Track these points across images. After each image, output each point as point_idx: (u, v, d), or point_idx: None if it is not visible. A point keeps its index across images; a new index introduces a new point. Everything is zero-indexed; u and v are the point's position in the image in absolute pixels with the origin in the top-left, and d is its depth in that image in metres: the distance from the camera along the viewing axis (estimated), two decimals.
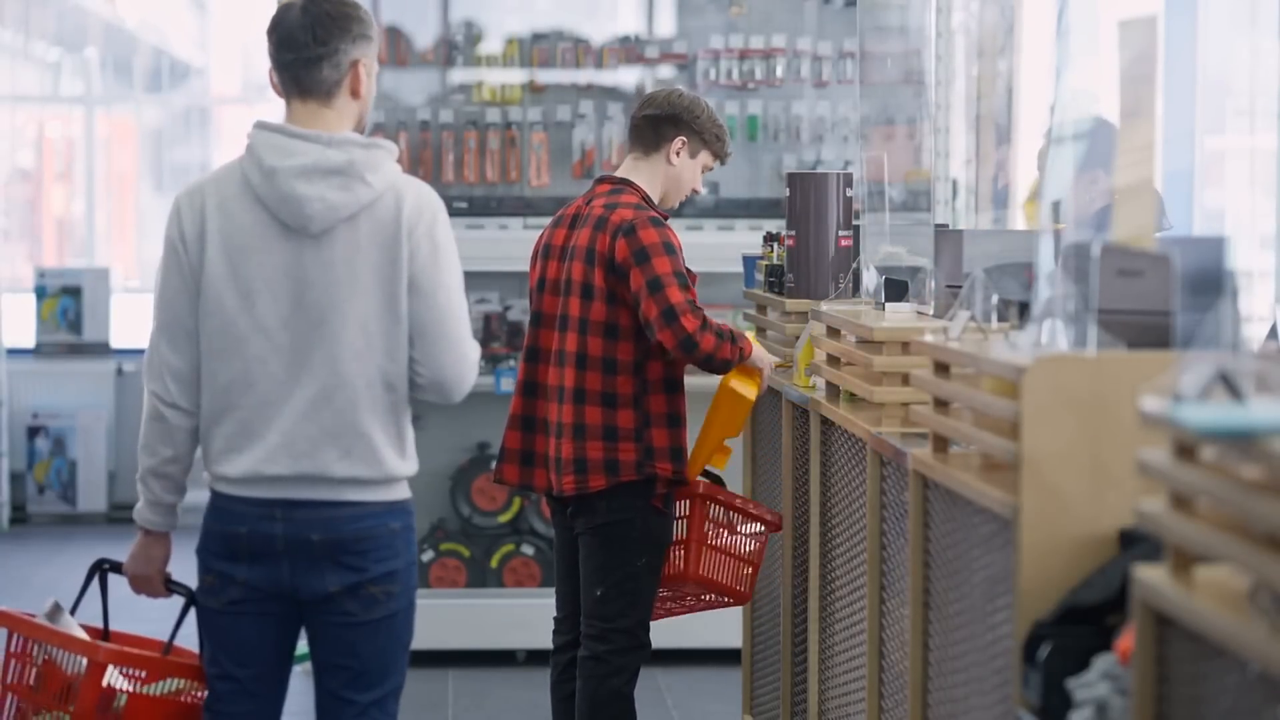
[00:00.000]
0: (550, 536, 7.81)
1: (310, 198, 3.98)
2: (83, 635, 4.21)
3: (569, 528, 5.38)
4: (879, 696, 4.39)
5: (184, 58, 15.82)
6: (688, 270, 5.33)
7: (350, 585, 4.04)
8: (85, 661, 4.11)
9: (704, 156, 5.41)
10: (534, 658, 7.44)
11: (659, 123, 5.39)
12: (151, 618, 4.93)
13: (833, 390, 5.03)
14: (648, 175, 5.40)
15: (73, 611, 4.28)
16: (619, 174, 5.42)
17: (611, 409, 5.26)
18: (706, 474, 5.48)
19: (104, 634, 4.30)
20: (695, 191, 5.46)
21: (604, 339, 5.27)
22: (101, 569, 4.32)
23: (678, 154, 5.38)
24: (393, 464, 4.06)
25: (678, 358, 5.23)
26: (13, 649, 4.21)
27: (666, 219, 5.38)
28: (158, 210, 14.72)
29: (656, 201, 5.41)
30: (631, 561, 5.27)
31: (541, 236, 5.47)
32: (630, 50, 8.34)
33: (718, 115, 5.47)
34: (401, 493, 4.10)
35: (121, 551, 4.29)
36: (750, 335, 5.49)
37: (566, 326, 5.31)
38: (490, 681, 7.39)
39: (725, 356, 5.25)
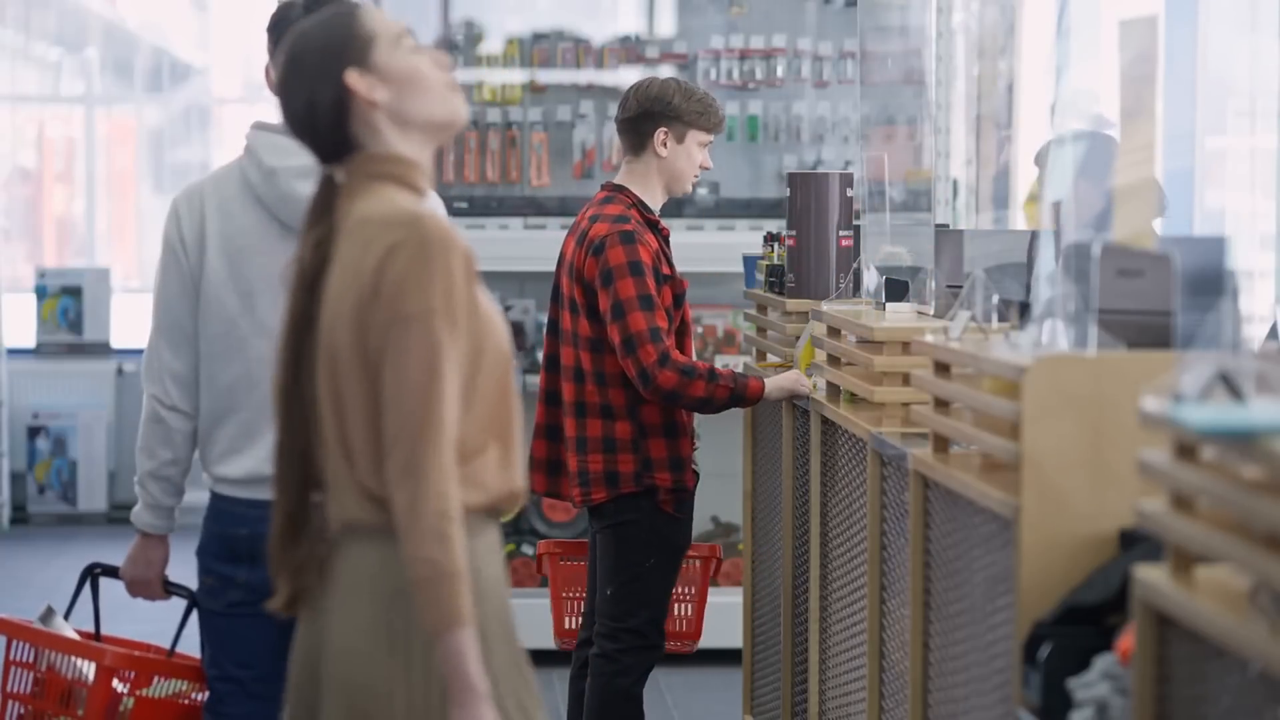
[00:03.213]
0: (550, 537, 7.81)
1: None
2: (79, 640, 4.20)
3: (591, 526, 5.41)
4: (879, 696, 4.39)
5: (184, 58, 15.81)
6: (676, 277, 5.31)
7: None
8: (92, 667, 4.11)
9: (694, 136, 5.32)
10: (534, 657, 7.42)
11: (637, 122, 5.34)
12: (147, 620, 4.93)
13: (833, 390, 5.03)
14: (641, 176, 5.37)
15: (66, 616, 4.27)
16: (617, 179, 5.41)
17: (610, 420, 5.26)
18: None
19: (95, 638, 4.29)
20: (704, 167, 5.40)
21: (592, 353, 5.26)
22: (93, 573, 4.31)
23: (664, 145, 5.33)
24: None
25: (639, 391, 5.21)
26: (13, 656, 4.20)
27: (660, 223, 5.35)
28: (158, 210, 14.71)
29: (659, 195, 5.37)
30: (640, 562, 5.28)
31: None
32: (631, 50, 8.34)
33: (694, 90, 5.36)
34: None
35: (122, 552, 4.29)
36: (772, 364, 5.42)
37: (564, 340, 5.33)
38: None
39: (698, 395, 5.16)
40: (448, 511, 2.97)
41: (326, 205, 3.14)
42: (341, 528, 3.08)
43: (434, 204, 4.08)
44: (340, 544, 3.09)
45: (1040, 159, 6.52)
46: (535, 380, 5.58)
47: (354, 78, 3.14)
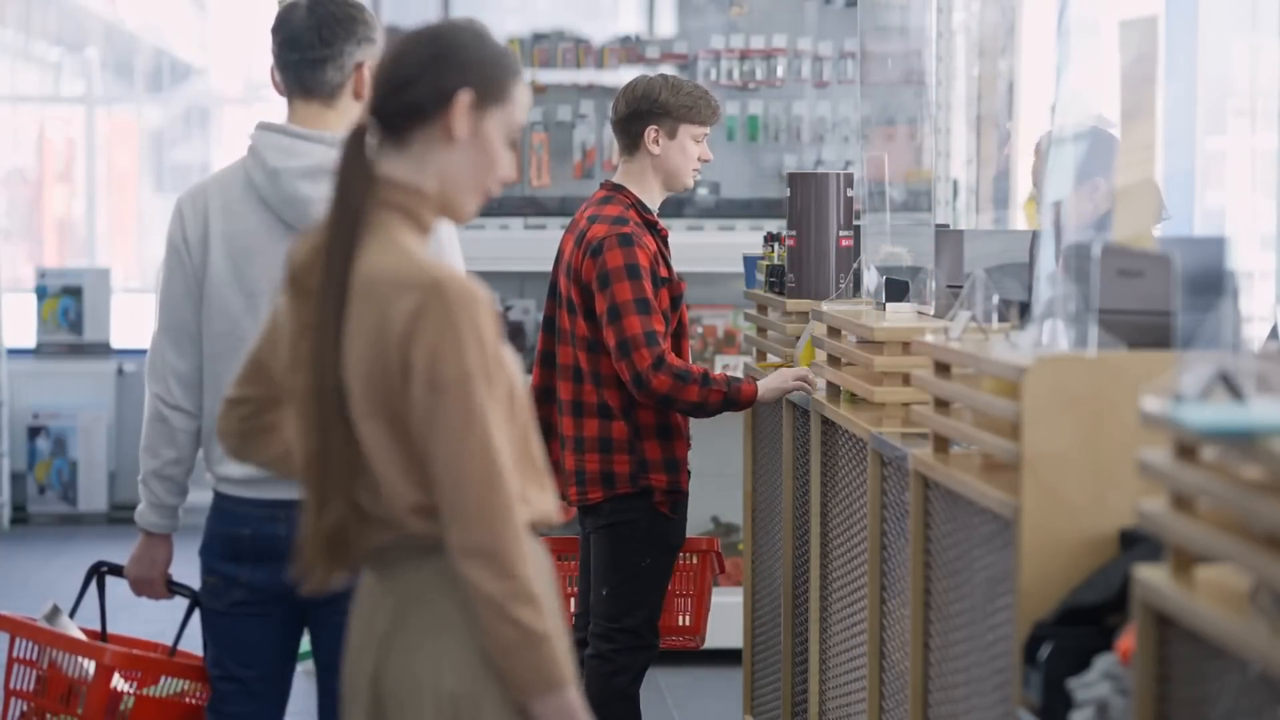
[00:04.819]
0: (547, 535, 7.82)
1: (314, 199, 3.99)
2: (82, 638, 4.21)
3: (585, 525, 5.41)
4: (879, 696, 4.40)
5: (184, 58, 15.82)
6: (673, 279, 5.31)
7: (353, 586, 4.04)
8: (91, 665, 4.11)
9: (686, 130, 5.30)
10: None
11: (627, 123, 5.33)
12: (151, 619, 4.94)
13: (833, 390, 5.04)
14: (637, 175, 5.37)
15: (71, 614, 4.28)
16: (615, 178, 5.41)
17: (607, 420, 5.26)
18: None
19: (101, 637, 4.30)
20: (704, 159, 5.39)
21: (589, 353, 5.26)
22: (99, 571, 4.32)
23: (655, 143, 5.31)
24: None
25: (634, 394, 5.20)
26: (15, 653, 4.21)
27: (658, 223, 5.35)
28: (158, 210, 14.72)
29: (658, 194, 5.36)
30: (635, 562, 5.28)
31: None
32: (631, 50, 8.34)
33: (683, 84, 5.33)
34: None
35: (123, 552, 4.30)
36: (770, 364, 5.41)
37: (562, 339, 5.33)
38: None
39: (692, 399, 5.15)
40: (529, 573, 2.93)
41: (351, 242, 3.00)
42: (385, 545, 3.08)
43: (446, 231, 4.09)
44: (390, 563, 3.07)
45: (1041, 147, 6.51)
46: (529, 377, 5.59)
47: (465, 99, 3.01)
